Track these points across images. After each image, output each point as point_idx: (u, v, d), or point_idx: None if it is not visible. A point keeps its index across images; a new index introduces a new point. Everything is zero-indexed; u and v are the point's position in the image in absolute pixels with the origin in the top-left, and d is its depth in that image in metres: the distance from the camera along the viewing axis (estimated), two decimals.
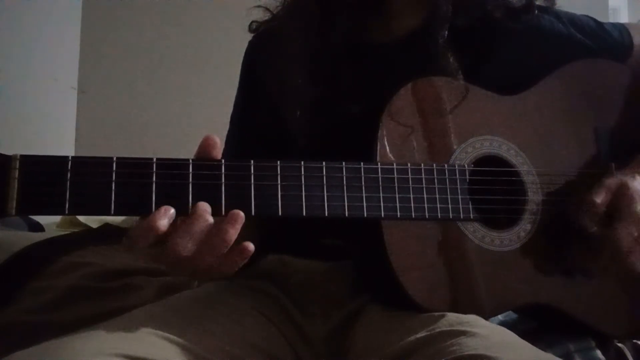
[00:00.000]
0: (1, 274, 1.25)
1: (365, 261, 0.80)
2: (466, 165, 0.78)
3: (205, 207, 0.63)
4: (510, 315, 0.86)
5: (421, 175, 0.74)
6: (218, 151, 0.66)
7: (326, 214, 0.68)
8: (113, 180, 0.61)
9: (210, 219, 0.63)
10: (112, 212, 0.61)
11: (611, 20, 1.65)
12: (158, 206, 0.62)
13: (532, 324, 0.85)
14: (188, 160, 0.64)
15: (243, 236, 0.64)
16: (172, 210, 0.62)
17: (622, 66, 0.91)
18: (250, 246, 0.64)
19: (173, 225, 0.62)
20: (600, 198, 0.76)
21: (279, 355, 0.78)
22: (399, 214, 0.72)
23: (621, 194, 0.77)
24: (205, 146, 0.66)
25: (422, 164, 0.74)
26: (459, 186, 0.76)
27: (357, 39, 0.87)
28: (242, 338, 0.74)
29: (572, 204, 0.78)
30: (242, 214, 0.63)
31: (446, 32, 0.82)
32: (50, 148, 2.14)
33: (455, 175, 0.76)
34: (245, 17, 0.97)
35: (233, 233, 0.63)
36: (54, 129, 2.34)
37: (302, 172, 0.68)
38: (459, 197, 0.75)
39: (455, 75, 0.80)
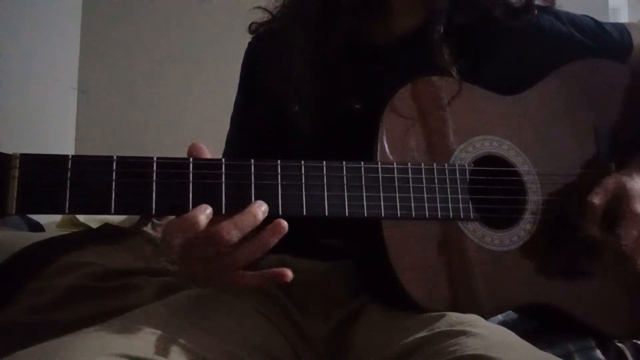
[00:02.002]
0: (1, 274, 1.25)
1: (365, 261, 0.80)
2: (466, 165, 0.78)
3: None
4: (510, 315, 0.86)
5: (421, 174, 0.74)
6: (207, 156, 0.65)
7: (326, 214, 0.68)
8: (113, 180, 0.61)
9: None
10: (112, 211, 0.61)
11: (611, 20, 1.66)
12: (158, 206, 0.62)
13: (532, 324, 0.85)
14: (188, 159, 0.64)
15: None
16: (210, 209, 0.61)
17: (622, 66, 0.92)
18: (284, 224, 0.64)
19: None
20: (598, 199, 0.76)
21: (279, 355, 0.78)
22: (399, 213, 0.72)
23: (620, 194, 0.77)
24: (191, 154, 0.65)
25: (423, 164, 0.74)
26: (459, 186, 0.76)
27: (357, 39, 0.87)
28: (242, 338, 0.74)
29: (572, 206, 0.79)
30: (285, 224, 0.63)
31: (441, 28, 0.82)
32: (50, 148, 2.13)
33: (456, 174, 0.76)
34: (245, 17, 0.97)
35: (272, 241, 0.63)
36: (54, 129, 2.34)
37: (303, 172, 0.68)
38: (459, 196, 0.75)
39: (450, 70, 0.80)
